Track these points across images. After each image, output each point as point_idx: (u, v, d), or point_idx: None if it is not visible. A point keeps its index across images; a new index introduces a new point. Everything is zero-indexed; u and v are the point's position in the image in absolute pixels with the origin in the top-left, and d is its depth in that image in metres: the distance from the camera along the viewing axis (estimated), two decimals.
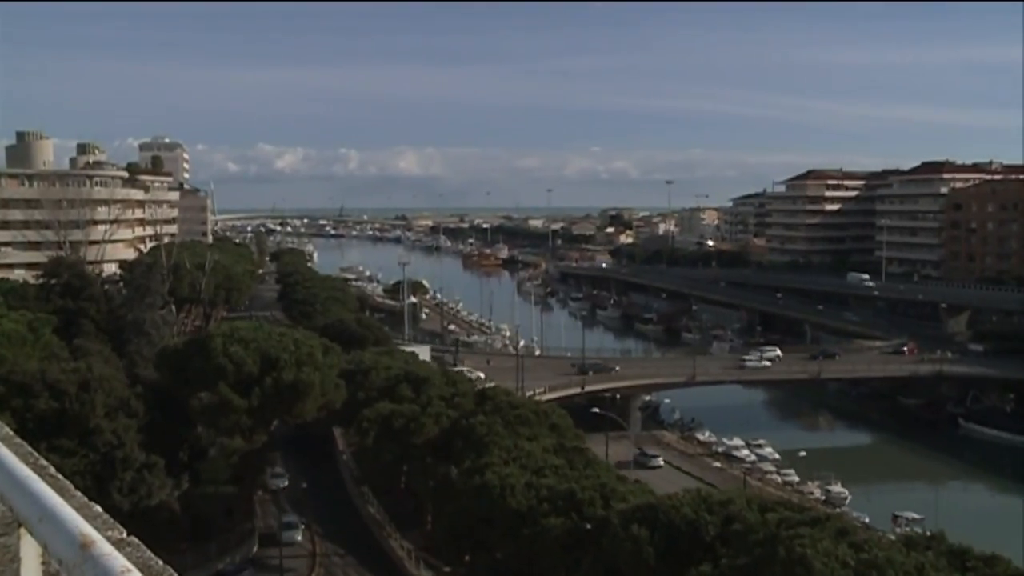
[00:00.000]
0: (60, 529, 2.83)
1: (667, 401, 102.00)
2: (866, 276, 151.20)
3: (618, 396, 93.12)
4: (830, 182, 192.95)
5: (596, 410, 78.94)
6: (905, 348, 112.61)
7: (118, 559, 2.61)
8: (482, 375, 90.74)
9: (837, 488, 75.14)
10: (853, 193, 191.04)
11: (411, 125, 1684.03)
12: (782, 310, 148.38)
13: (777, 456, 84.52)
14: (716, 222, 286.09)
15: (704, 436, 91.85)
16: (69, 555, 2.70)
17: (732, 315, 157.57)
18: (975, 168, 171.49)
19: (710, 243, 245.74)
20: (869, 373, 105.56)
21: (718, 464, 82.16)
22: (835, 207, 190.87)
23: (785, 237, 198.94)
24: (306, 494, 62.69)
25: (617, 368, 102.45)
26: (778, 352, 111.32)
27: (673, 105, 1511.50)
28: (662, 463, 78.62)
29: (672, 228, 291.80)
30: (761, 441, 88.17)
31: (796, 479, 78.44)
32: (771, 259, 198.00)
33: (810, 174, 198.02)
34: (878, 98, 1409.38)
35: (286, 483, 64.45)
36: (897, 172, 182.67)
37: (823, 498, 73.02)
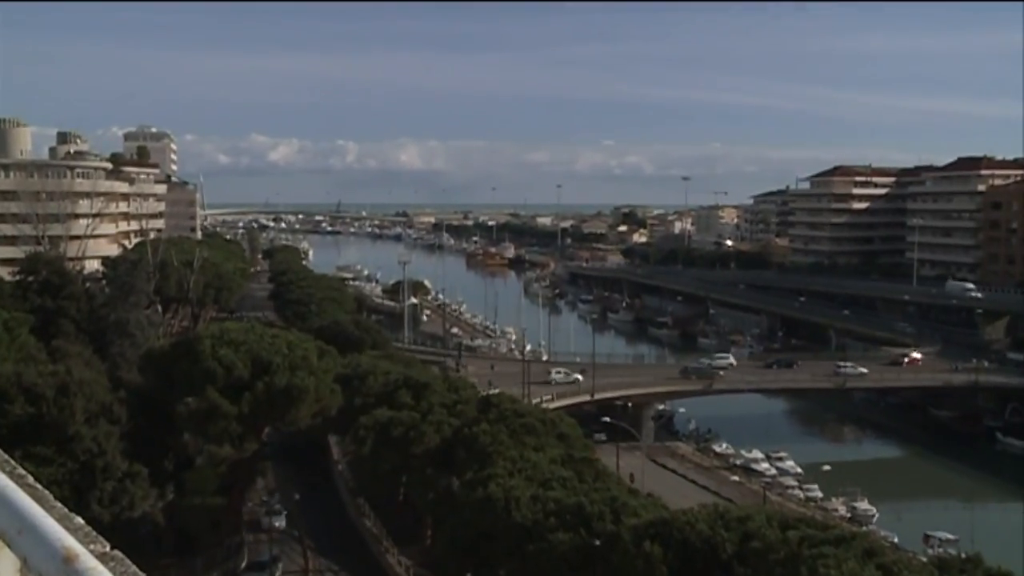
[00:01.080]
0: (41, 542, 2.81)
1: (682, 410, 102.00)
2: (970, 285, 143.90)
3: (630, 405, 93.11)
4: (858, 179, 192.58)
5: (607, 419, 78.93)
6: (906, 358, 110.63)
7: (103, 574, 2.60)
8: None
9: (864, 505, 74.93)
10: (883, 191, 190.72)
11: (413, 116, 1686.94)
12: (805, 315, 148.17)
13: (799, 470, 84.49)
14: (735, 221, 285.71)
15: (721, 448, 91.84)
16: (51, 569, 2.68)
17: (752, 320, 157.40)
18: (1015, 164, 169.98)
19: (729, 243, 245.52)
20: (898, 383, 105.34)
21: (736, 478, 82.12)
22: (863, 205, 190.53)
23: (809, 237, 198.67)
24: (299, 506, 62.71)
25: (721, 372, 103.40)
26: (731, 360, 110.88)
27: (691, 96, 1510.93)
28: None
29: (688, 227, 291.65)
30: (782, 454, 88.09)
31: (819, 495, 78.33)
32: (794, 260, 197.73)
33: (837, 170, 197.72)
34: (911, 89, 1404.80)
35: (284, 524, 59.74)
36: (931, 168, 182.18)
37: (848, 515, 72.84)
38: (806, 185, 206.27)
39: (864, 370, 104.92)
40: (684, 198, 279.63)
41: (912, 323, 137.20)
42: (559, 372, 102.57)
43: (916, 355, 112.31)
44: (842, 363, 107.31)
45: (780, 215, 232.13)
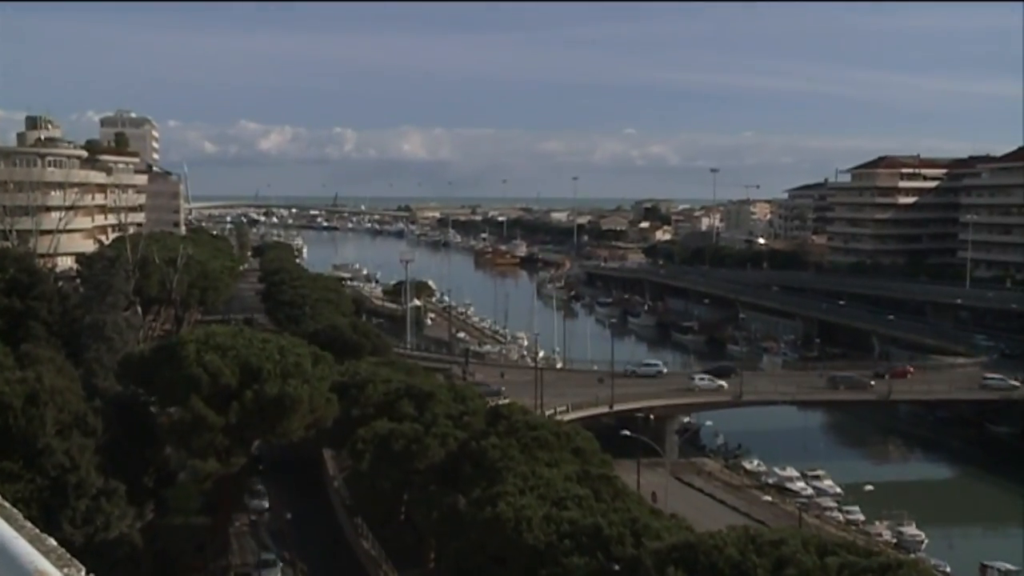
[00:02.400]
0: (12, 565, 2.77)
1: (709, 423, 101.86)
2: None
3: (652, 417, 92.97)
4: (905, 170, 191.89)
5: (626, 433, 78.87)
6: (883, 374, 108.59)
7: None
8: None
9: (911, 530, 74.58)
10: (932, 184, 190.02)
11: (417, 102, 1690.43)
12: (845, 319, 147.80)
13: (838, 490, 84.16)
14: (768, 217, 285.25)
15: (752, 465, 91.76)
16: None
17: (786, 324, 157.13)
18: None
19: (761, 241, 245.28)
20: (950, 395, 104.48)
21: (768, 498, 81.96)
22: (910, 200, 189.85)
23: (850, 235, 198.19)
24: (291, 526, 62.78)
25: (872, 383, 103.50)
26: (661, 367, 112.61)
27: (722, 81, 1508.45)
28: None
29: (717, 223, 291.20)
30: (819, 472, 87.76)
31: (861, 517, 78.02)
32: (833, 260, 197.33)
33: (881, 161, 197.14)
34: (967, 71, 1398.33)
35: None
36: (987, 159, 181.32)
37: (894, 541, 72.55)
38: (847, 178, 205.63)
39: (872, 382, 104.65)
40: (712, 192, 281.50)
41: (965, 329, 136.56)
42: (702, 379, 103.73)
43: (909, 368, 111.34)
44: (839, 372, 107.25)
45: (818, 210, 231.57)
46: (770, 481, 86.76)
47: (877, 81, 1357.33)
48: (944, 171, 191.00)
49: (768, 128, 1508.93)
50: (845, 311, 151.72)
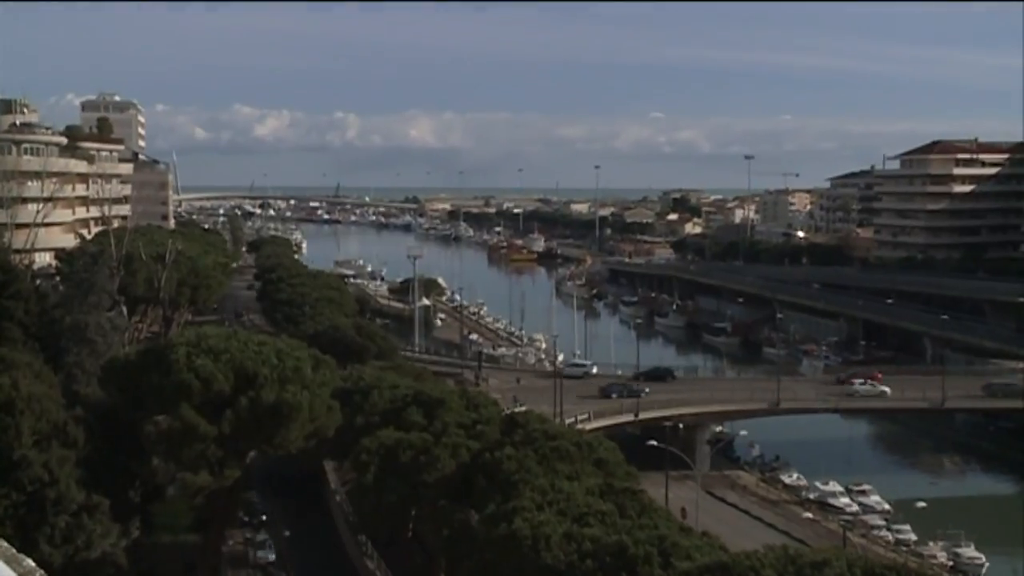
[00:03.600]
0: None
1: (743, 433, 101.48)
2: None
3: (681, 426, 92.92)
4: (961, 156, 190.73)
5: (653, 443, 78.78)
6: (858, 379, 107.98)
7: None
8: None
9: (969, 552, 74.16)
10: (992, 170, 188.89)
11: (425, 84, 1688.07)
12: (894, 320, 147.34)
13: (887, 507, 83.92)
14: (808, 207, 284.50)
15: (791, 479, 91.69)
16: None
17: (828, 325, 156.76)
18: None
19: (800, 234, 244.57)
20: (1015, 403, 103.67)
21: (809, 515, 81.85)
22: (967, 188, 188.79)
23: (899, 227, 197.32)
24: (289, 544, 62.93)
25: (647, 389, 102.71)
26: (591, 367, 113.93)
27: (757, 59, 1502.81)
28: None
29: (752, 215, 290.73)
30: (866, 487, 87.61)
31: (913, 537, 77.69)
32: (880, 255, 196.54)
33: (934, 146, 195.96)
34: None
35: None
36: None
37: (950, 564, 72.50)
38: (896, 164, 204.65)
39: (886, 389, 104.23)
40: (747, 181, 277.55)
41: None
42: (861, 382, 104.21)
43: (876, 373, 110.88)
44: (858, 380, 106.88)
45: (863, 201, 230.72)
46: (811, 496, 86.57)
47: (930, 57, 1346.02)
48: (1005, 156, 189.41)
49: (809, 111, 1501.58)
50: (894, 311, 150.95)
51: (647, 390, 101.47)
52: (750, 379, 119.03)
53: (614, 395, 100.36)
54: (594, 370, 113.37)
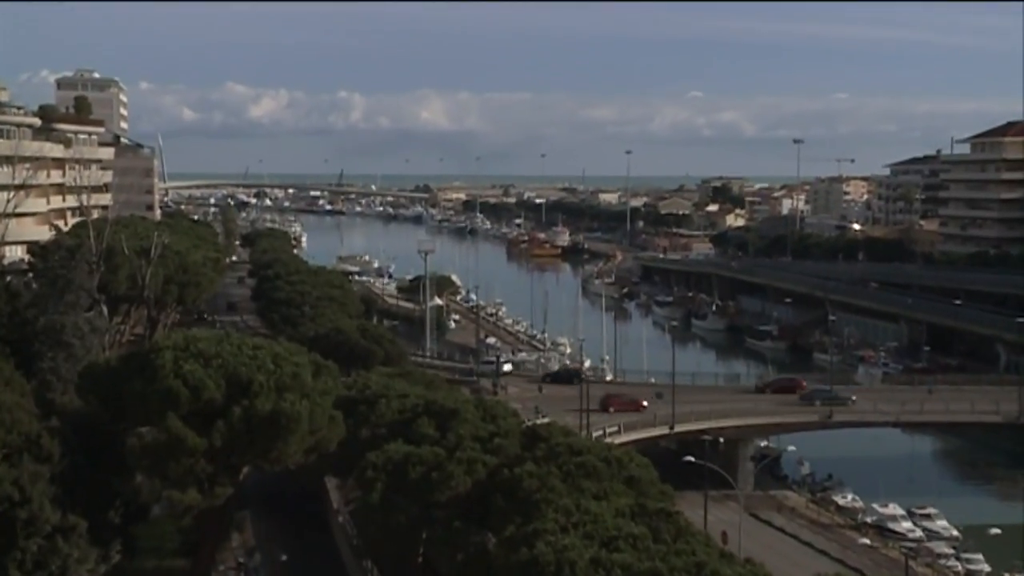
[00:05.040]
0: None
1: (791, 449, 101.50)
2: None
3: (722, 440, 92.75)
4: None
5: (691, 459, 78.74)
6: (763, 388, 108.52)
7: None
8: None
9: None
10: None
11: (438, 61, 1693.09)
12: (962, 323, 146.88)
13: (955, 533, 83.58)
14: (865, 197, 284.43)
15: (845, 500, 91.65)
16: None
17: (888, 329, 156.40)
18: None
19: (856, 227, 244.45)
20: None
21: (866, 541, 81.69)
22: None
23: (968, 219, 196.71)
24: (287, 569, 63.02)
25: (853, 398, 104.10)
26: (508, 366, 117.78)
27: (808, 31, 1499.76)
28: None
29: (802, 205, 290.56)
30: (930, 510, 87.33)
31: (986, 568, 77.56)
32: (946, 250, 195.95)
33: (1010, 127, 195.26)
34: None
35: None
36: None
37: None
38: (965, 148, 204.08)
39: (853, 397, 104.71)
40: (796, 167, 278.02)
41: None
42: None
43: (800, 381, 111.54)
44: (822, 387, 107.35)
45: (928, 190, 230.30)
46: (868, 520, 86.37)
47: (1005, 26, 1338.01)
48: None
49: (866, 89, 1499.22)
50: (962, 312, 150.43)
51: (854, 398, 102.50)
52: None
53: (817, 402, 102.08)
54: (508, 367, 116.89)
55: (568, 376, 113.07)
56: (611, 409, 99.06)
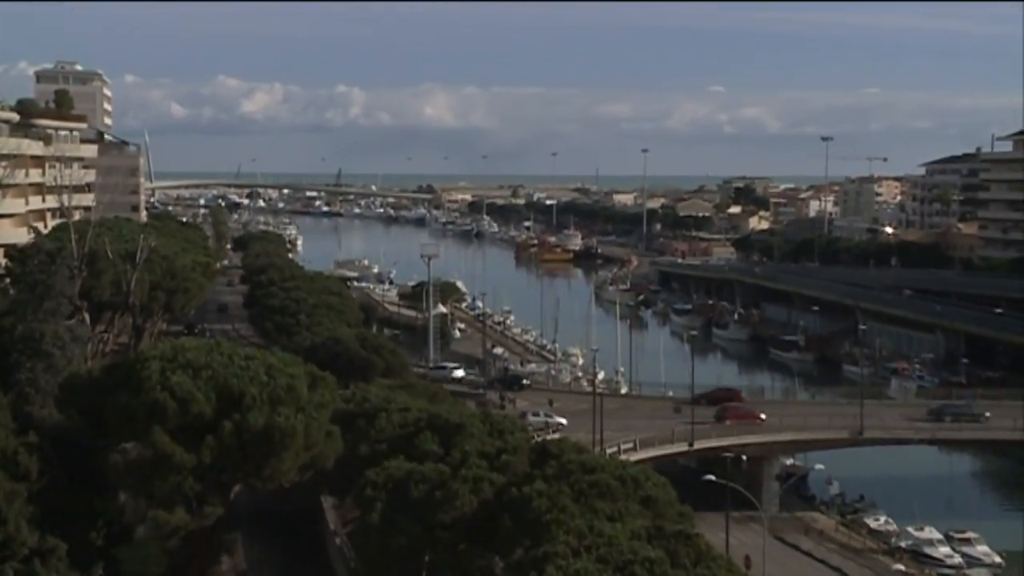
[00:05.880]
0: None
1: (819, 467, 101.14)
2: None
3: (745, 458, 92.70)
4: None
5: (711, 478, 78.62)
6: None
7: None
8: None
9: None
10: None
11: (442, 54, 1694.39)
12: (1004, 333, 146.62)
13: (998, 559, 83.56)
14: (899, 198, 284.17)
15: (878, 523, 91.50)
16: None
17: (923, 340, 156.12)
18: None
19: (889, 230, 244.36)
20: None
21: (901, 567, 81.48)
22: None
23: (1010, 222, 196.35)
24: None
25: (987, 414, 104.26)
26: (460, 372, 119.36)
27: (838, 20, 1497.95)
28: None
29: (830, 207, 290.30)
30: (970, 534, 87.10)
31: None
32: (986, 255, 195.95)
33: None
34: None
35: None
36: None
37: None
38: (1007, 146, 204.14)
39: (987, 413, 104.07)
40: (824, 167, 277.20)
41: None
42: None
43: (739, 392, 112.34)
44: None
45: (966, 191, 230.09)
46: (903, 544, 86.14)
47: None
48: None
49: (899, 83, 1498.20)
50: (1003, 322, 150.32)
51: (987, 414, 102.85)
52: (827, 403, 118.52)
53: (947, 418, 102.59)
54: (460, 373, 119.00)
55: (510, 383, 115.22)
56: (727, 421, 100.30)
